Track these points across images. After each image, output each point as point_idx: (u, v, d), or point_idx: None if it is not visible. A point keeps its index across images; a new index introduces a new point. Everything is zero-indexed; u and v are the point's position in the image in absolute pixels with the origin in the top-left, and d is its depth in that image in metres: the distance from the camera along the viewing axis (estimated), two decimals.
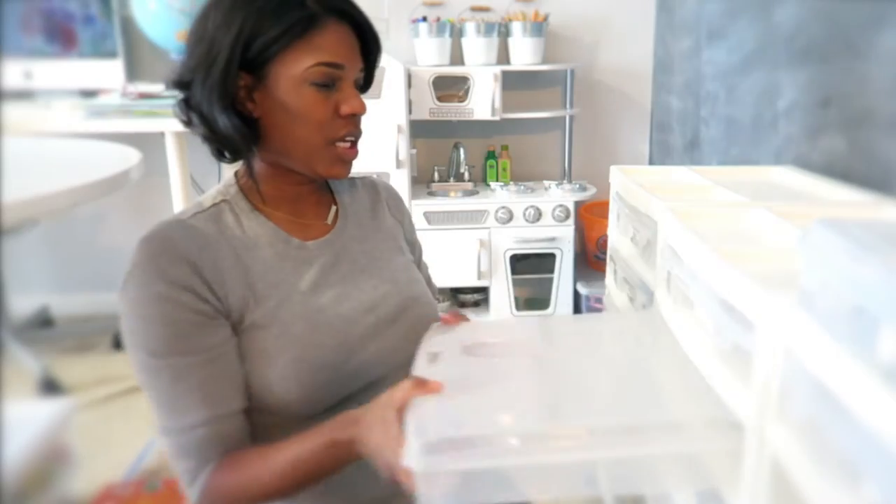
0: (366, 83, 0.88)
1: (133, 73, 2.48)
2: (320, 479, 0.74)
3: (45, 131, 2.08)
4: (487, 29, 2.45)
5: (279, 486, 0.73)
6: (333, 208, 0.91)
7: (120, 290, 0.75)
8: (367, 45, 0.84)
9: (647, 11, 2.56)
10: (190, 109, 0.80)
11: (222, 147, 0.81)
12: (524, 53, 2.48)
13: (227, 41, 0.75)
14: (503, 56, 2.54)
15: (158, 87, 2.24)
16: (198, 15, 0.79)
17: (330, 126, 0.80)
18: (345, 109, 0.80)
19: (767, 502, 0.68)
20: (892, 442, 0.46)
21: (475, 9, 2.57)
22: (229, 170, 0.87)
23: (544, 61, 2.52)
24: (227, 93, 0.77)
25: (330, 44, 0.78)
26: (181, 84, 0.79)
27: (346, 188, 0.95)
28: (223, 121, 0.77)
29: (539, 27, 2.45)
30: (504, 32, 2.50)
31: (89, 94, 2.34)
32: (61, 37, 2.40)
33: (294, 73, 0.77)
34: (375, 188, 0.99)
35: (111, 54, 2.42)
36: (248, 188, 0.84)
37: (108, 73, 2.41)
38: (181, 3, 2.23)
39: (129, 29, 2.42)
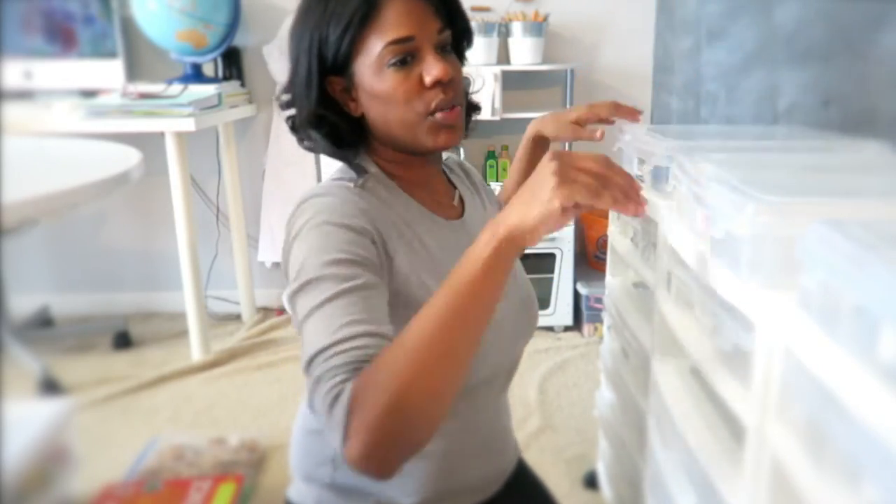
0: (459, 40, 0.89)
1: (133, 73, 2.49)
2: (477, 318, 0.63)
3: (45, 131, 2.07)
4: (487, 29, 2.44)
5: (431, 346, 0.61)
6: (456, 192, 0.93)
7: (296, 229, 0.75)
8: (444, 2, 0.82)
9: (647, 11, 2.56)
10: (304, 126, 0.82)
11: (340, 147, 0.83)
12: (524, 53, 2.48)
13: (305, 54, 0.79)
14: (503, 56, 2.54)
15: (158, 87, 2.23)
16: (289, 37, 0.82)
17: (419, 100, 0.79)
18: (427, 79, 0.78)
19: (767, 502, 0.68)
20: (892, 442, 0.46)
21: (475, 9, 2.56)
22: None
23: (544, 61, 2.52)
24: (327, 100, 0.80)
25: (392, 20, 0.76)
26: (290, 104, 0.83)
27: (451, 173, 0.96)
28: (341, 124, 0.81)
29: (539, 27, 2.45)
30: (504, 32, 2.50)
31: (89, 94, 2.33)
32: (61, 37, 2.40)
33: (370, 61, 0.77)
34: (462, 168, 1.00)
35: (111, 54, 2.42)
36: (388, 171, 0.85)
37: (108, 73, 2.41)
38: (181, 3, 2.23)
39: (129, 29, 2.43)
